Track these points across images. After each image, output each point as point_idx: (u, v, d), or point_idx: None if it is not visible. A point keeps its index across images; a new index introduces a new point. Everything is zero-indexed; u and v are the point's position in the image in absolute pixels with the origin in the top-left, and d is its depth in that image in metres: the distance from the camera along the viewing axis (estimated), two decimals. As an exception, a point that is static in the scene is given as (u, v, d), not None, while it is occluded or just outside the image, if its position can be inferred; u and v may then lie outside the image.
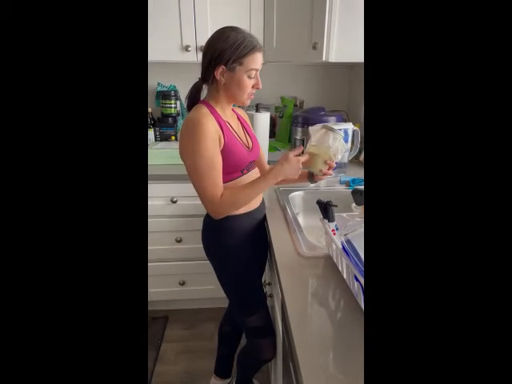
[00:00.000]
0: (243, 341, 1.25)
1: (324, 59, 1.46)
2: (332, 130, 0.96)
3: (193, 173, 0.92)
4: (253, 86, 0.94)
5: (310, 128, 1.03)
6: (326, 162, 0.98)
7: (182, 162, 0.97)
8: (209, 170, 0.89)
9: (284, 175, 0.94)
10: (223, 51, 0.88)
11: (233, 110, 1.07)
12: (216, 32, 0.91)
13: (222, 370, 1.42)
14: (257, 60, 0.91)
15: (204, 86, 0.98)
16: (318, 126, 1.00)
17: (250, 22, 1.63)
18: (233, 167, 0.96)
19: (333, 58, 1.45)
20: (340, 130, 0.98)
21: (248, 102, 0.97)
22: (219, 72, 0.90)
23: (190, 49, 1.61)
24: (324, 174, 1.01)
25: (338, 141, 0.96)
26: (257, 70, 0.93)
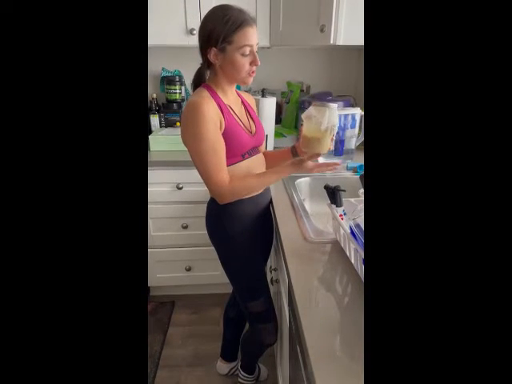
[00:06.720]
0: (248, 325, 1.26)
1: (332, 42, 1.42)
2: (323, 105, 0.91)
3: (195, 157, 0.91)
4: (250, 64, 0.90)
5: (303, 115, 0.97)
6: (331, 139, 0.94)
7: (185, 147, 0.96)
8: (212, 153, 0.88)
9: (292, 173, 0.97)
10: (211, 32, 0.86)
11: (238, 93, 1.05)
12: (206, 13, 0.89)
13: (227, 354, 1.44)
14: (248, 35, 0.86)
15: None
16: (309, 109, 0.94)
17: (256, 3, 1.59)
18: (233, 151, 0.94)
19: (341, 41, 1.42)
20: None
21: (250, 81, 0.93)
22: (212, 54, 0.88)
23: (194, 32, 1.58)
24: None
25: (333, 111, 0.91)
26: (251, 46, 0.88)
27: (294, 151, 1.07)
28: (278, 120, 1.99)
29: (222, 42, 0.86)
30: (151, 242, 1.72)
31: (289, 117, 1.96)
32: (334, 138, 0.94)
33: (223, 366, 1.46)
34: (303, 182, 1.34)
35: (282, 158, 1.11)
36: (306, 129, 0.92)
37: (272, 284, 1.15)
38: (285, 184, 1.28)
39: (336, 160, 1.48)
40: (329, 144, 0.93)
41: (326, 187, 0.86)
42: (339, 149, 1.49)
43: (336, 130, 0.92)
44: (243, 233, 1.04)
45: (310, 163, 0.93)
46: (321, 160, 1.04)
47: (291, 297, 0.73)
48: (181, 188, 1.62)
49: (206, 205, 1.10)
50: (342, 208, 0.85)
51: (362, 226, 0.68)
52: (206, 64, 0.92)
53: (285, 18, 1.59)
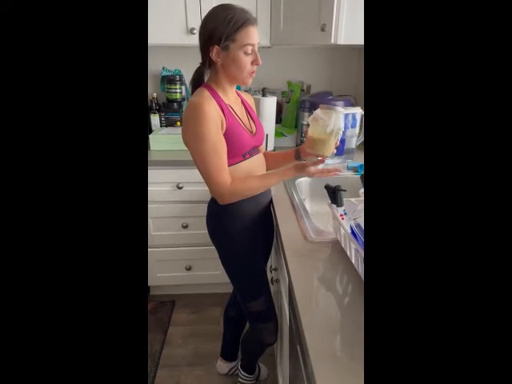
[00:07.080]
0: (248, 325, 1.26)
1: (333, 41, 1.41)
2: (330, 108, 0.92)
3: (197, 157, 0.91)
4: (252, 63, 0.91)
5: (311, 117, 0.98)
6: (335, 143, 0.96)
7: (187, 148, 0.96)
8: (213, 153, 0.88)
9: (294, 176, 0.98)
10: (214, 30, 0.86)
11: (238, 93, 1.05)
12: (208, 13, 0.89)
13: (228, 354, 1.45)
14: (250, 34, 0.87)
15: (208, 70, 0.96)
16: (317, 111, 0.96)
17: (256, 3, 1.59)
18: (234, 151, 0.94)
19: (342, 41, 1.41)
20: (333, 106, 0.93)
21: (250, 81, 0.94)
22: (214, 53, 0.88)
23: (195, 31, 1.58)
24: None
25: (340, 115, 0.93)
26: (253, 45, 0.89)
27: (298, 154, 1.08)
28: (279, 119, 1.99)
29: (225, 40, 0.86)
30: (151, 242, 1.72)
31: (289, 116, 1.96)
32: (338, 142, 0.95)
33: (223, 366, 1.46)
34: (303, 181, 1.34)
35: (284, 159, 1.12)
36: (313, 130, 0.94)
37: (272, 283, 1.15)
38: (285, 183, 1.28)
39: (336, 159, 1.49)
40: (333, 148, 0.94)
41: (327, 187, 0.86)
42: (340, 148, 1.48)
43: (341, 134, 0.94)
44: (244, 232, 1.04)
45: (312, 168, 0.94)
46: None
47: (291, 296, 0.73)
48: (181, 187, 1.62)
49: (206, 204, 1.10)
50: (342, 208, 0.85)
51: (363, 225, 0.68)
52: (207, 63, 0.92)
53: (285, 18, 1.58)
